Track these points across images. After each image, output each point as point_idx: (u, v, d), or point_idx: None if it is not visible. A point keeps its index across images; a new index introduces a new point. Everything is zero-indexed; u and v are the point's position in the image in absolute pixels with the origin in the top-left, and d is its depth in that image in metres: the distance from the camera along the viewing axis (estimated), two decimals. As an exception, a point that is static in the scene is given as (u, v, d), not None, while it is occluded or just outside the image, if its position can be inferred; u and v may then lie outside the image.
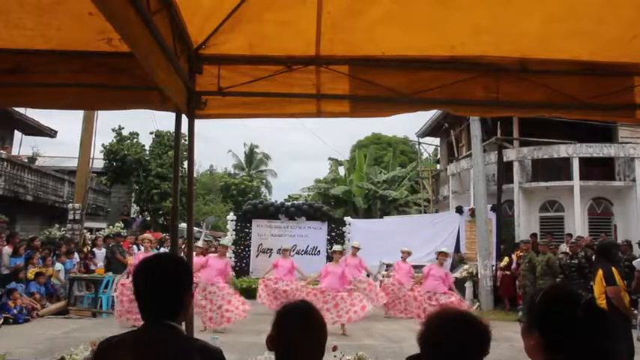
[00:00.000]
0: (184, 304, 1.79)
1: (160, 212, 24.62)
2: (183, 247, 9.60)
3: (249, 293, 13.47)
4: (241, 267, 16.39)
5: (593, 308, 1.52)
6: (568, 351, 1.46)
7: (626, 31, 3.01)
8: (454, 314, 1.70)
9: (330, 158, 36.67)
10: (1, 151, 17.84)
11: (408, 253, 12.57)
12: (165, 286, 1.75)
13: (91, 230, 18.98)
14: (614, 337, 1.48)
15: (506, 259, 13.85)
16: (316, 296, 9.60)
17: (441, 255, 10.28)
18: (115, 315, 9.80)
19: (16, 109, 18.30)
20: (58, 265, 12.49)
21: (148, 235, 11.62)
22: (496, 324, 10.95)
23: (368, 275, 12.89)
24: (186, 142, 3.88)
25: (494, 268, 13.77)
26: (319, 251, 16.92)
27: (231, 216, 17.81)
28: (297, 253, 16.29)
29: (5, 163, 17.24)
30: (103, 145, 24.53)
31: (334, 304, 9.43)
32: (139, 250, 14.74)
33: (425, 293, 9.93)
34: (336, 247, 10.85)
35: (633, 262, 8.99)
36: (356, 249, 12.53)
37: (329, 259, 16.96)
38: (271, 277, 11.67)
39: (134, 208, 26.59)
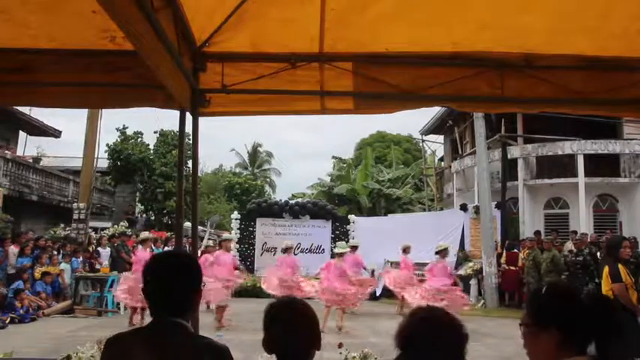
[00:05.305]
0: (193, 302, 1.81)
1: (165, 211, 24.63)
2: (187, 246, 9.63)
3: (254, 292, 13.51)
4: (246, 265, 16.42)
5: (599, 299, 1.52)
6: (585, 343, 1.44)
7: (631, 26, 2.99)
8: (429, 312, 1.64)
9: (334, 157, 36.72)
10: (6, 152, 17.91)
11: (409, 247, 12.44)
12: (176, 284, 1.75)
13: (95, 230, 19.04)
14: (626, 327, 1.49)
15: (504, 253, 13.85)
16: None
17: (443, 252, 10.14)
18: None
19: (20, 109, 18.38)
20: (64, 265, 12.53)
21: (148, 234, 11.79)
22: (501, 322, 10.96)
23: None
24: (191, 141, 3.88)
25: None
26: (323, 249, 16.93)
27: (235, 215, 17.84)
28: (302, 251, 16.29)
29: (10, 164, 17.33)
30: (107, 144, 24.55)
31: None
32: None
33: (431, 290, 9.85)
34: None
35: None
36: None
37: (333, 257, 16.99)
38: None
39: (138, 207, 26.63)
